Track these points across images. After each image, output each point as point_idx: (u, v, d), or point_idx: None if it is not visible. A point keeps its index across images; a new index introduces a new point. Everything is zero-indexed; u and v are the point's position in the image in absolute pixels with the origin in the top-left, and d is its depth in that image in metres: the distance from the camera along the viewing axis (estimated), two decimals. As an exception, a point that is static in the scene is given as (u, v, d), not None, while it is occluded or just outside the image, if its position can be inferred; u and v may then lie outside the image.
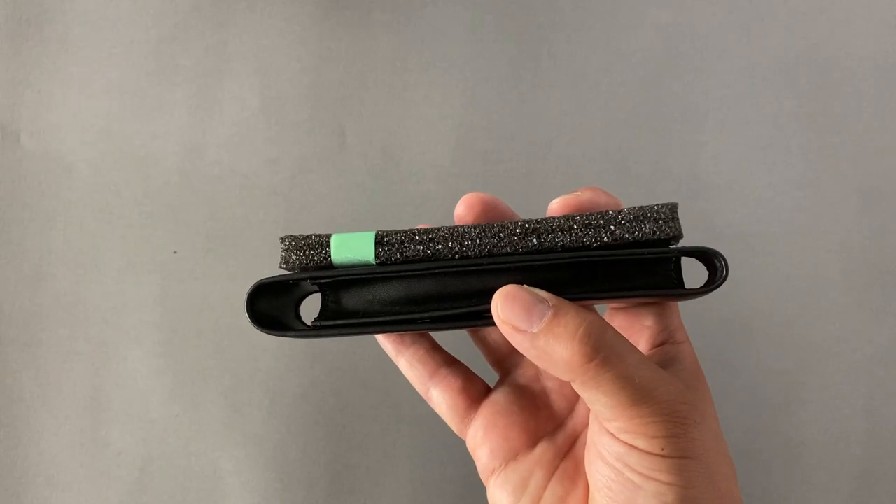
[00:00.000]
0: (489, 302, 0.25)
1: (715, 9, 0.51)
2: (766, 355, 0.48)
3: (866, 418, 0.47)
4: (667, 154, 0.50)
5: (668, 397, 0.23)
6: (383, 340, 0.32)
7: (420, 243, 0.26)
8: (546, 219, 0.26)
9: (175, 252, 0.49)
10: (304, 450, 0.47)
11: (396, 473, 0.47)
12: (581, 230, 0.26)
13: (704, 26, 0.50)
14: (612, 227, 0.26)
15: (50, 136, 0.49)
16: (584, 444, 0.29)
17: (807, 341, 0.48)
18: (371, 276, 0.27)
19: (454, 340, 0.33)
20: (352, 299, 0.28)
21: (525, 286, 0.24)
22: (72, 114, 0.50)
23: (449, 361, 0.32)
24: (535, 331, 0.23)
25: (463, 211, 0.29)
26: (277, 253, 0.48)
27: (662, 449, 0.23)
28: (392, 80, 0.50)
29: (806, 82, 0.50)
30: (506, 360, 0.33)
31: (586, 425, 0.30)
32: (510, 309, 0.24)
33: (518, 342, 0.24)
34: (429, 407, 0.32)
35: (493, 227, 0.26)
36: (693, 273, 0.28)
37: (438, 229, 0.27)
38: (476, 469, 0.30)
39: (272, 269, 0.48)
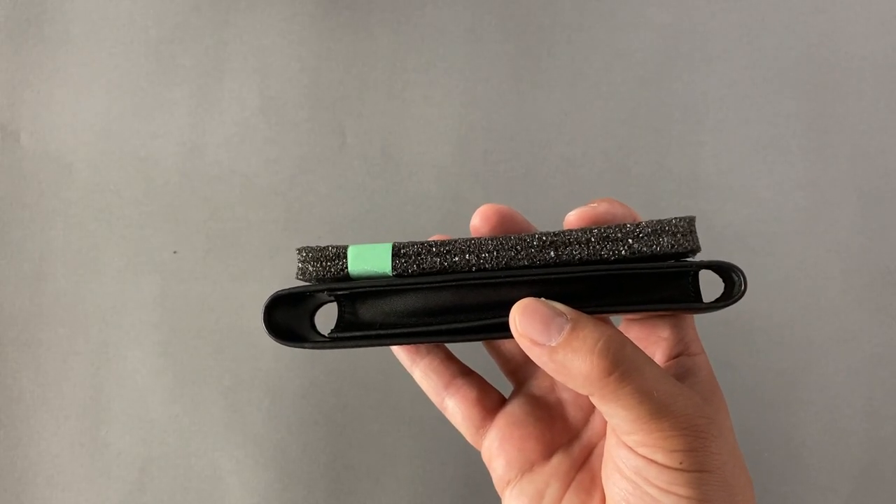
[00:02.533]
0: (506, 314, 0.25)
1: (715, 9, 0.51)
2: (766, 355, 0.48)
3: (866, 418, 0.47)
4: (667, 154, 0.50)
5: (686, 411, 0.23)
6: (398, 351, 0.32)
7: (437, 255, 0.26)
8: (563, 231, 0.26)
9: (175, 252, 0.49)
10: (304, 450, 0.47)
11: (396, 473, 0.47)
12: (599, 243, 0.26)
13: (704, 26, 0.50)
14: (630, 241, 0.26)
15: (50, 136, 0.49)
16: (600, 455, 0.29)
17: (807, 341, 0.48)
18: (389, 287, 0.27)
19: (468, 350, 0.33)
20: (368, 311, 0.28)
21: (543, 299, 0.24)
22: (72, 114, 0.50)
23: (464, 372, 0.32)
24: (553, 344, 0.23)
25: (479, 222, 0.29)
26: (278, 253, 0.49)
27: (681, 463, 0.23)
28: (392, 80, 0.50)
29: (806, 82, 0.50)
30: (520, 370, 0.33)
31: (602, 437, 0.30)
32: (528, 322, 0.24)
33: (536, 356, 0.24)
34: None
35: (511, 239, 0.26)
36: (706, 284, 0.28)
37: (455, 241, 0.27)
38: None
39: (272, 269, 0.49)
